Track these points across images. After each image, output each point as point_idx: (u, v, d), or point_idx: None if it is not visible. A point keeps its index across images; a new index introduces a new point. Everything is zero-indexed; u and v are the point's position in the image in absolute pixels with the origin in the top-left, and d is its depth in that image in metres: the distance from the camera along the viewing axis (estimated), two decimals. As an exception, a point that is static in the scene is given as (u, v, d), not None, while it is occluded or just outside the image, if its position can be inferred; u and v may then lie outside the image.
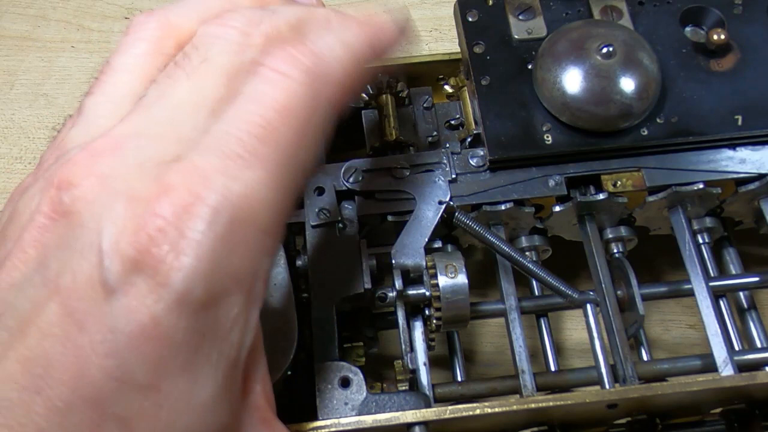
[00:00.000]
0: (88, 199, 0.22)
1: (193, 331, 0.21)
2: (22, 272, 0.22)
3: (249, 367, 0.24)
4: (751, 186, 0.35)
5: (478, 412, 0.30)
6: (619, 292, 0.35)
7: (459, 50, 0.39)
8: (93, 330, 0.21)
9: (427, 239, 0.34)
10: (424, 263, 0.33)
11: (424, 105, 0.39)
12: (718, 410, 0.35)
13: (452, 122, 0.38)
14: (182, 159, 0.22)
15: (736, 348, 0.35)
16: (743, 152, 0.35)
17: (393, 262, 0.33)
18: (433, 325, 0.33)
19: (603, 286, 0.34)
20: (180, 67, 0.25)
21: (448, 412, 0.29)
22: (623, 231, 0.37)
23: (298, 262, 0.34)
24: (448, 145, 0.36)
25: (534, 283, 0.37)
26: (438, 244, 0.36)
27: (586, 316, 0.34)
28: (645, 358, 0.36)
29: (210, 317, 0.22)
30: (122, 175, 0.22)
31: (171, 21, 0.27)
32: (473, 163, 0.36)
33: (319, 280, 0.33)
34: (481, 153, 0.36)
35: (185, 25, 0.27)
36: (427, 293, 0.33)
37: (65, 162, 0.23)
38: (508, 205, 0.35)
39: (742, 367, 0.33)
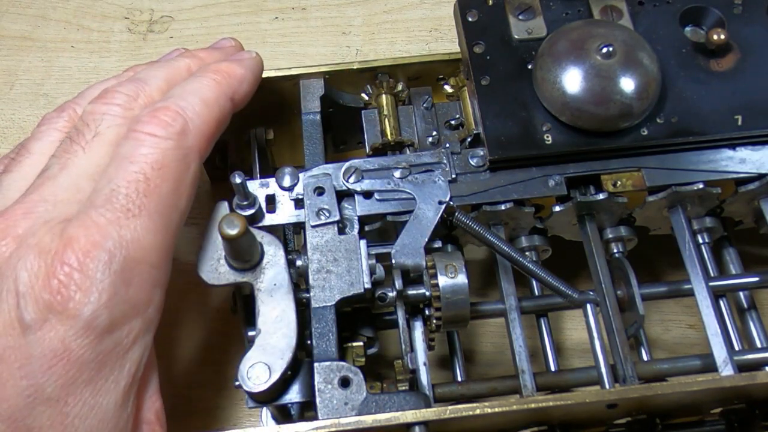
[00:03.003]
0: (5, 257, 0.27)
1: (98, 351, 0.27)
2: None
3: (143, 383, 0.29)
4: (751, 186, 0.35)
5: (478, 412, 0.30)
6: (619, 292, 0.35)
7: (459, 50, 0.39)
8: (11, 360, 0.26)
9: (427, 239, 0.34)
10: (424, 263, 0.33)
11: (424, 105, 0.39)
12: (718, 410, 0.35)
13: (452, 122, 0.38)
14: (81, 215, 0.28)
15: (736, 348, 0.35)
16: (743, 152, 0.35)
17: (393, 262, 0.33)
18: (433, 325, 0.33)
19: (603, 286, 0.34)
20: (76, 143, 0.30)
21: (448, 412, 0.29)
22: (623, 231, 0.37)
23: (298, 262, 0.34)
24: (448, 145, 0.36)
25: (534, 283, 0.37)
26: (438, 244, 0.36)
27: (586, 316, 0.34)
28: (645, 358, 0.36)
29: (113, 339, 0.27)
30: (33, 233, 0.27)
31: (78, 112, 0.33)
32: (473, 163, 0.36)
33: (319, 280, 0.33)
34: (481, 153, 0.36)
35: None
36: (427, 293, 0.33)
37: None
38: (508, 205, 0.35)
39: (742, 367, 0.33)
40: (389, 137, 0.38)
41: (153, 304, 0.29)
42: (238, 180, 0.33)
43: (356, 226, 0.35)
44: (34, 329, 0.26)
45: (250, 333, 0.32)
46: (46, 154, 0.31)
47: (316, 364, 0.31)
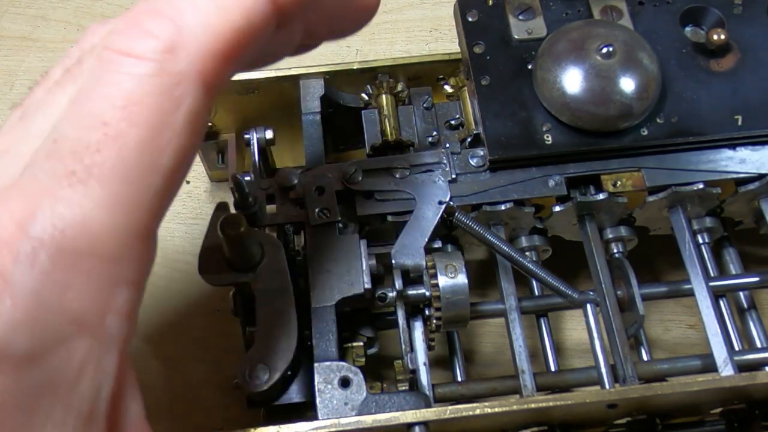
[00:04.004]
0: None
1: (21, 390, 0.18)
2: None
3: (114, 419, 0.21)
4: (751, 186, 0.35)
5: (478, 412, 0.30)
6: (619, 292, 0.35)
7: (459, 50, 0.39)
8: None
9: (427, 239, 0.34)
10: (424, 263, 0.33)
11: (424, 105, 0.39)
12: (718, 410, 0.35)
13: (452, 122, 0.38)
14: (16, 181, 0.19)
15: (736, 348, 0.35)
16: (743, 152, 0.35)
17: (393, 262, 0.33)
18: (433, 325, 0.33)
19: (603, 286, 0.34)
20: (70, 73, 0.22)
21: (448, 412, 0.29)
22: (623, 231, 0.37)
23: (298, 262, 0.34)
24: (448, 145, 0.36)
25: (534, 283, 0.37)
26: (438, 244, 0.36)
27: (586, 316, 0.34)
28: (645, 358, 0.36)
29: (43, 371, 0.18)
30: None
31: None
32: (473, 163, 0.36)
33: (319, 280, 0.33)
34: (481, 153, 0.36)
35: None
36: (427, 293, 0.33)
37: None
38: (508, 205, 0.35)
39: (742, 367, 0.33)
40: (389, 137, 0.38)
41: (113, 312, 0.19)
42: (238, 180, 0.33)
43: (356, 226, 0.35)
44: None
45: (250, 333, 0.32)
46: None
47: (316, 364, 0.31)
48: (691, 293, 0.35)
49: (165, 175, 0.20)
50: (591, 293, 0.35)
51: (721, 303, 0.36)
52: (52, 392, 0.19)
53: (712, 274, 0.36)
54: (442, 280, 0.32)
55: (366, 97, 0.39)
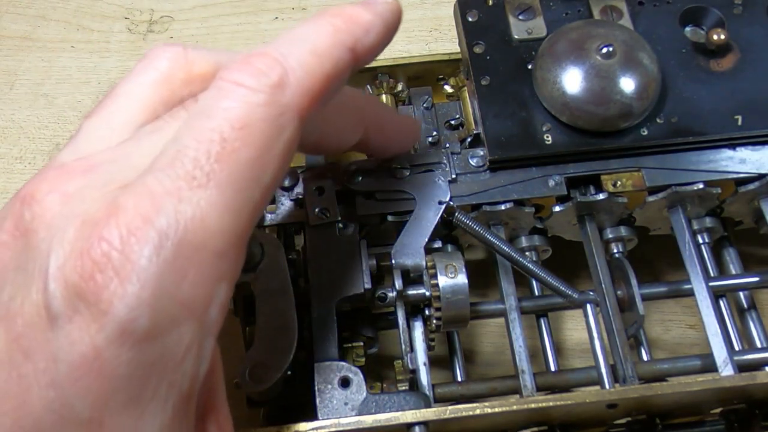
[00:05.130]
0: (45, 219, 0.22)
1: (138, 363, 0.20)
2: None
3: (205, 403, 0.23)
4: (751, 186, 0.35)
5: (478, 412, 0.30)
6: (619, 292, 0.35)
7: (459, 50, 0.39)
8: (37, 358, 0.20)
9: (427, 239, 0.34)
10: (424, 263, 0.33)
11: (424, 105, 0.39)
12: (718, 410, 0.35)
13: (452, 122, 0.38)
14: (138, 181, 0.21)
15: (736, 348, 0.35)
16: (743, 152, 0.35)
17: (393, 262, 0.33)
18: (433, 325, 0.33)
19: (603, 286, 0.34)
20: (184, 108, 0.24)
21: (448, 412, 0.29)
22: (623, 231, 0.37)
23: (298, 262, 0.34)
24: (448, 145, 0.36)
25: (534, 283, 0.37)
26: (438, 244, 0.36)
27: (586, 316, 0.34)
28: (645, 358, 0.36)
29: (157, 348, 0.21)
30: (85, 197, 0.22)
31: (188, 56, 0.26)
32: (473, 163, 0.36)
33: (319, 280, 0.33)
34: (481, 153, 0.36)
35: (201, 65, 0.26)
36: (427, 293, 0.33)
37: (36, 177, 0.23)
38: (508, 205, 0.35)
39: (742, 367, 0.33)
40: (389, 137, 0.37)
41: (214, 304, 0.22)
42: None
43: (356, 226, 0.35)
44: (62, 322, 0.20)
45: (250, 333, 0.32)
46: (134, 100, 0.25)
47: (316, 364, 0.31)
48: (691, 293, 0.35)
49: (263, 190, 0.23)
50: (591, 293, 0.35)
51: (721, 303, 0.36)
52: (162, 369, 0.21)
53: (712, 274, 0.36)
54: (442, 280, 0.32)
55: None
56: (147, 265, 0.20)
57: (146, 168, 0.22)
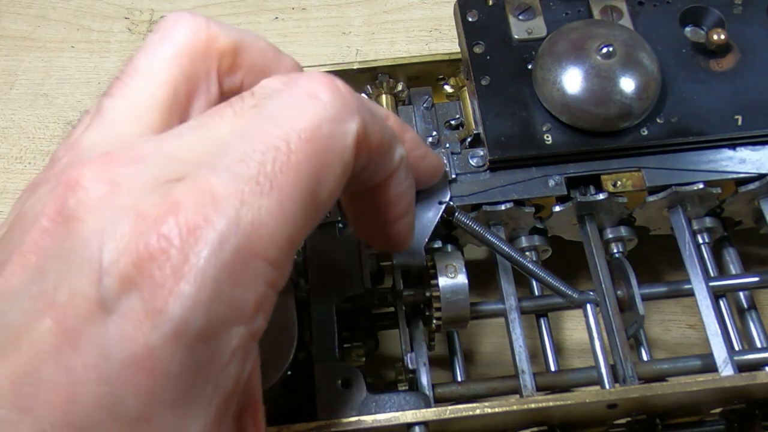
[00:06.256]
0: (93, 207, 0.21)
1: (189, 363, 0.20)
2: (19, 279, 0.21)
3: (246, 406, 0.24)
4: (751, 186, 0.35)
5: (478, 412, 0.30)
6: (619, 292, 0.35)
7: (459, 50, 0.39)
8: (87, 351, 0.20)
9: (427, 239, 0.34)
10: (424, 263, 0.33)
11: (424, 105, 0.39)
12: (718, 410, 0.35)
13: (452, 122, 0.38)
14: (197, 176, 0.21)
15: (736, 348, 0.35)
16: (743, 152, 0.35)
17: (393, 262, 0.33)
18: (433, 325, 0.33)
19: (603, 286, 0.34)
20: (230, 106, 0.23)
21: (448, 412, 0.29)
22: (623, 231, 0.37)
23: (298, 262, 0.34)
24: (448, 145, 0.36)
25: (534, 283, 0.37)
26: (438, 244, 0.36)
27: (586, 316, 0.34)
28: (645, 358, 0.36)
29: (208, 349, 0.21)
30: (133, 188, 0.21)
31: (210, 29, 0.26)
32: (473, 163, 0.36)
33: (319, 280, 0.33)
34: (481, 153, 0.36)
35: (223, 41, 0.26)
36: (427, 293, 0.33)
37: (79, 163, 0.22)
38: (508, 205, 0.35)
39: (742, 367, 0.33)
40: (389, 137, 0.37)
41: (262, 311, 0.22)
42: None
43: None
44: (114, 316, 0.20)
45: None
46: (155, 76, 0.25)
47: (316, 364, 0.31)
48: (691, 293, 0.35)
49: (318, 207, 0.22)
50: (591, 293, 0.35)
51: (721, 303, 0.36)
52: (209, 370, 0.21)
53: (712, 274, 0.36)
54: (442, 280, 0.32)
55: (366, 98, 0.39)
56: (205, 266, 0.20)
57: (202, 164, 0.21)
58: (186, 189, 0.20)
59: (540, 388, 0.33)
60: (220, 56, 0.26)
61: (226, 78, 0.26)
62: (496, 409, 0.30)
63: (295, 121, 0.22)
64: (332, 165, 0.22)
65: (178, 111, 0.25)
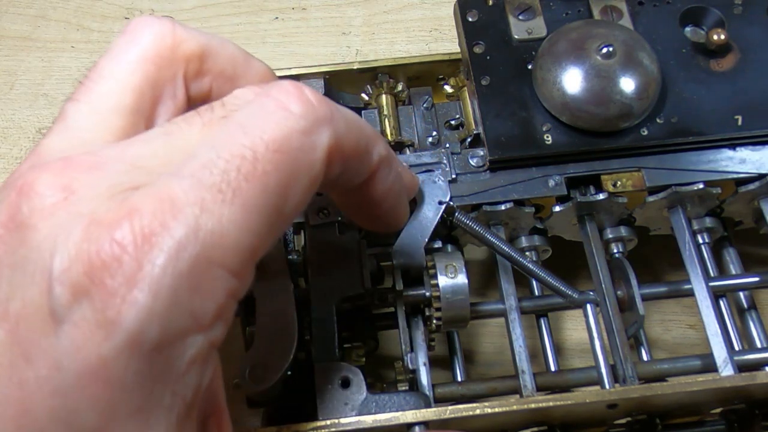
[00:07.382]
0: (46, 214, 0.20)
1: (145, 373, 0.20)
2: None
3: (205, 407, 0.23)
4: (751, 186, 0.35)
5: (478, 412, 0.30)
6: (619, 292, 0.35)
7: (459, 50, 0.39)
8: (39, 364, 0.19)
9: (427, 239, 0.34)
10: (424, 263, 0.33)
11: (424, 105, 0.39)
12: (718, 410, 0.35)
13: (452, 122, 0.38)
14: (156, 183, 0.20)
15: (736, 348, 0.35)
16: (743, 152, 0.35)
17: (393, 262, 0.33)
18: (433, 325, 0.33)
19: (603, 286, 0.34)
20: (199, 115, 0.23)
21: (448, 412, 0.29)
22: (623, 231, 0.37)
23: (298, 262, 0.34)
24: (448, 145, 0.36)
25: (534, 283, 0.37)
26: (438, 244, 0.36)
27: (586, 316, 0.34)
28: (645, 358, 0.36)
29: (165, 358, 0.20)
30: (90, 195, 0.20)
31: (176, 34, 0.25)
32: (473, 163, 0.36)
33: (319, 280, 0.33)
34: (481, 153, 0.36)
35: (189, 45, 0.25)
36: (427, 293, 0.33)
37: (36, 168, 0.21)
38: (508, 205, 0.35)
39: (742, 367, 0.33)
40: (389, 137, 0.38)
41: (222, 321, 0.21)
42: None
43: (356, 226, 0.35)
44: (66, 327, 0.19)
45: (250, 333, 0.32)
46: (119, 81, 0.24)
47: (316, 364, 0.31)
48: (691, 293, 0.35)
49: (283, 218, 0.22)
50: (591, 293, 0.35)
51: (721, 303, 0.36)
52: (166, 379, 0.20)
53: (712, 274, 0.36)
54: (442, 280, 0.32)
55: (366, 97, 0.39)
56: (160, 274, 0.19)
57: (165, 172, 0.21)
58: (144, 195, 0.20)
59: (540, 388, 0.33)
60: (187, 61, 0.25)
61: (193, 83, 0.26)
62: (496, 409, 0.30)
63: (264, 131, 0.21)
64: (300, 177, 0.22)
65: (144, 116, 0.25)
